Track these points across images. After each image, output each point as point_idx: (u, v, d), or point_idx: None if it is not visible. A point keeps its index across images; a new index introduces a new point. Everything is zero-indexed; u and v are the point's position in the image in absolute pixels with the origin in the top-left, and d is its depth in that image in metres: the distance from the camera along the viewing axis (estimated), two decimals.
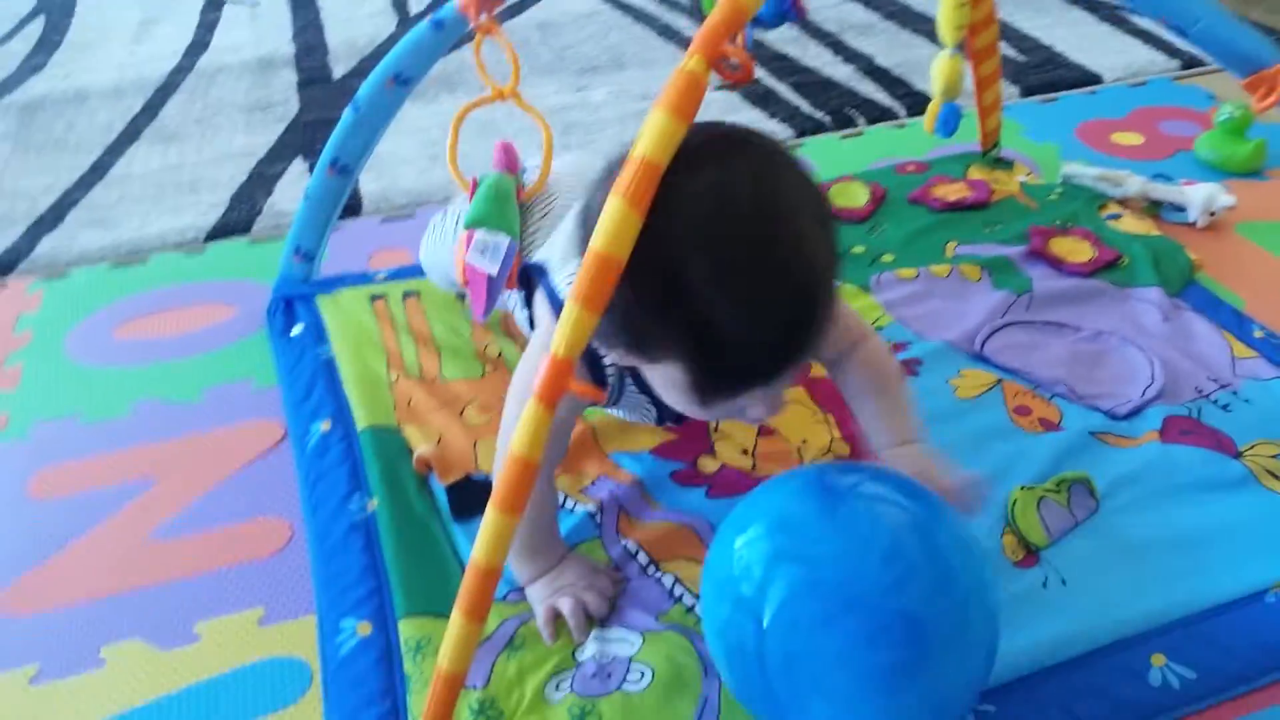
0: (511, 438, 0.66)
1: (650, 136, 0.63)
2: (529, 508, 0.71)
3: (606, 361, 0.87)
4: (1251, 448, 1.06)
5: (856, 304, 1.29)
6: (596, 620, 0.89)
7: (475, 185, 1.05)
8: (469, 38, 1.05)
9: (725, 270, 0.66)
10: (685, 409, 0.78)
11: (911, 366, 1.18)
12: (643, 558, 0.96)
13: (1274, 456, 1.05)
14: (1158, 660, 0.86)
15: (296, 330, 1.28)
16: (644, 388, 0.88)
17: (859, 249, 1.41)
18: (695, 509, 1.00)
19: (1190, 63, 1.99)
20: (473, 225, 0.99)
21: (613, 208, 0.62)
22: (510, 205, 1.02)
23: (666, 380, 0.74)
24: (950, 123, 1.37)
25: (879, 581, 0.68)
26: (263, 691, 0.88)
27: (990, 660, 0.74)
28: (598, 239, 0.63)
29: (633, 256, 0.63)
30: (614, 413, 1.02)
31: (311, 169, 1.24)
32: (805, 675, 0.69)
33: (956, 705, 0.74)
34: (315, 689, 0.88)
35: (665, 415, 0.97)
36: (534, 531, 0.89)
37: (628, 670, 0.85)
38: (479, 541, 0.67)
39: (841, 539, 0.70)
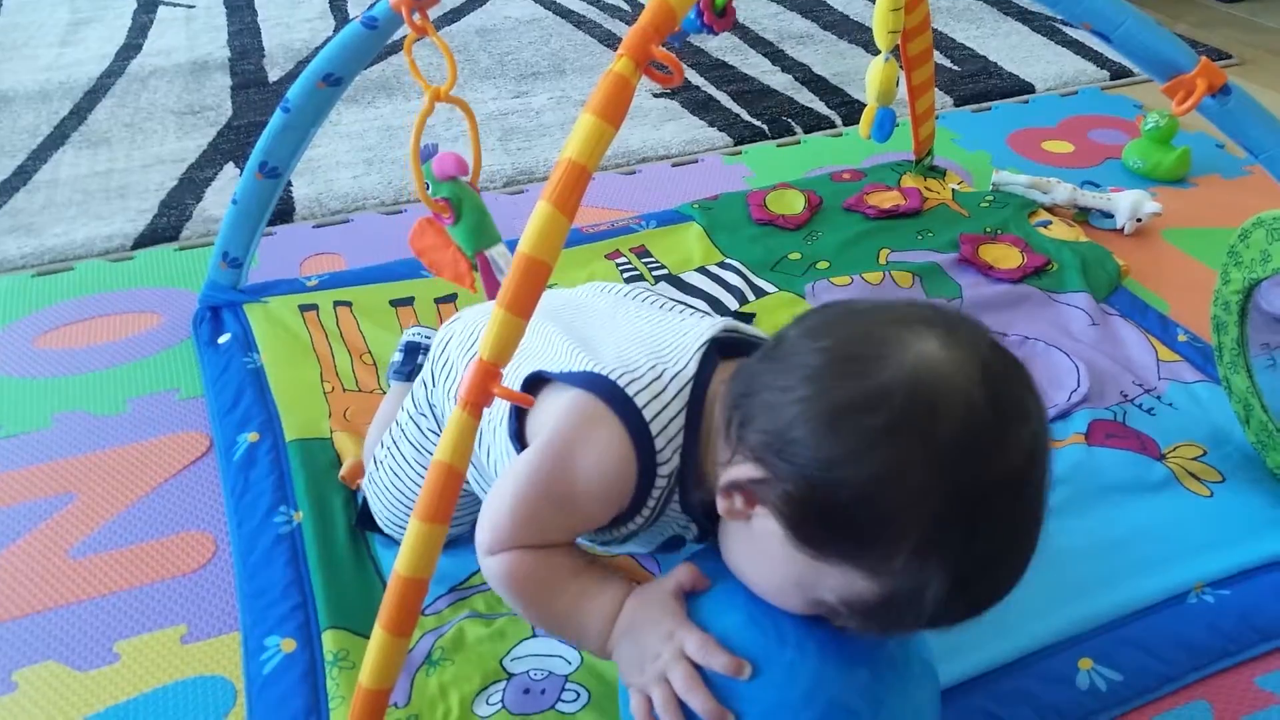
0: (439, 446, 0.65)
1: (578, 140, 0.64)
2: (552, 581, 0.69)
3: (664, 471, 0.70)
4: (1174, 450, 1.08)
5: (792, 311, 1.30)
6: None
7: (449, 205, 1.08)
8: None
9: (986, 554, 0.59)
10: (791, 592, 0.64)
11: None
12: None
13: (1195, 459, 1.07)
14: (1085, 664, 0.87)
15: (224, 339, 1.25)
16: (688, 507, 0.73)
17: (795, 256, 1.41)
18: None
19: (1119, 73, 2.04)
20: (483, 249, 1.08)
21: (540, 211, 0.63)
22: (488, 214, 1.10)
23: (826, 578, 0.61)
24: (885, 127, 1.39)
25: None
26: (185, 711, 0.86)
27: None
28: (526, 242, 0.63)
29: (938, 484, 0.56)
30: (608, 549, 0.83)
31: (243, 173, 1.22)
32: None
33: None
34: (240, 708, 0.86)
35: (706, 534, 0.75)
36: (554, 619, 0.73)
37: (562, 689, 0.85)
38: (402, 551, 0.66)
39: (762, 677, 0.64)
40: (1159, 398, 1.16)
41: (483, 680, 0.85)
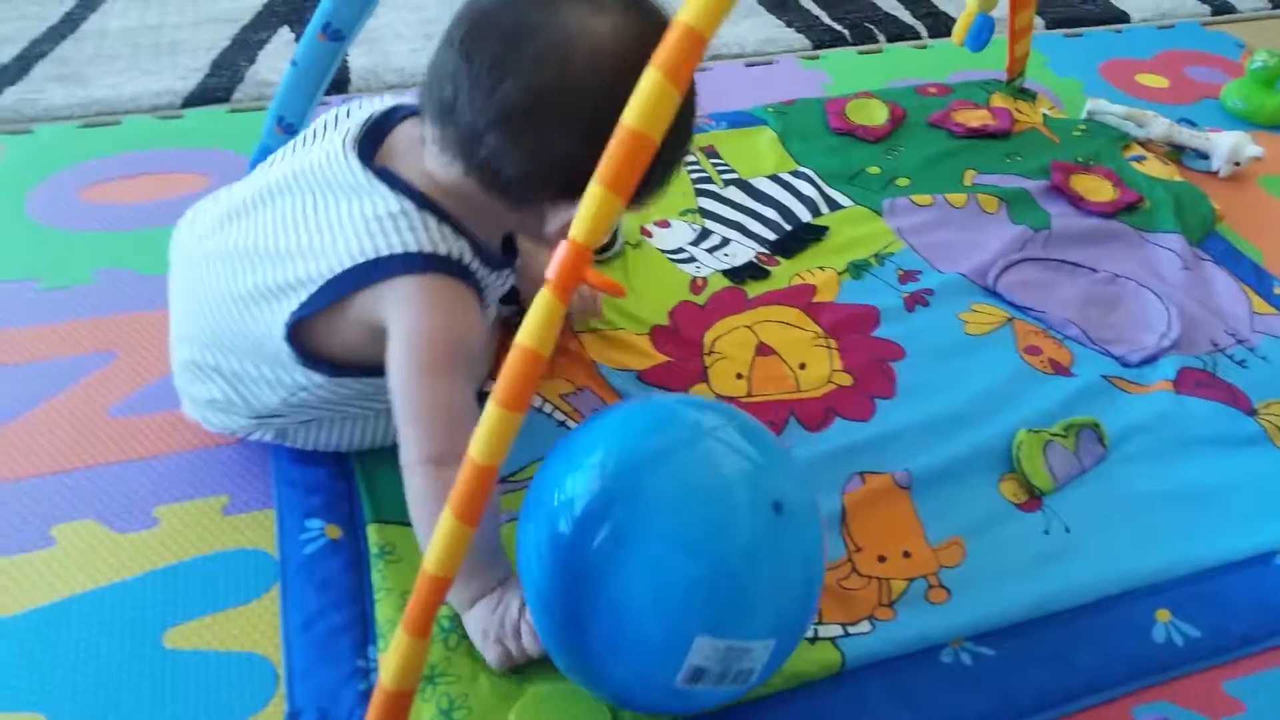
0: (520, 332, 0.59)
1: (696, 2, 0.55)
2: (474, 519, 0.63)
3: (466, 259, 0.79)
4: (1267, 406, 1.02)
5: (868, 226, 1.24)
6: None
7: None
8: None
9: None
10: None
11: (921, 297, 1.13)
12: None
13: None
14: (1163, 616, 0.83)
15: None
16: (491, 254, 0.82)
17: (874, 169, 1.34)
18: None
19: (1221, 9, 1.92)
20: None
21: (648, 79, 0.54)
22: None
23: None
24: (981, 35, 1.31)
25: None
26: (225, 582, 0.84)
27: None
28: (629, 114, 0.56)
29: None
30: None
31: (299, 38, 1.16)
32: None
33: None
34: None
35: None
36: (479, 544, 0.73)
37: None
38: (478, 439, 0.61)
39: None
40: (1252, 350, 1.10)
41: None
